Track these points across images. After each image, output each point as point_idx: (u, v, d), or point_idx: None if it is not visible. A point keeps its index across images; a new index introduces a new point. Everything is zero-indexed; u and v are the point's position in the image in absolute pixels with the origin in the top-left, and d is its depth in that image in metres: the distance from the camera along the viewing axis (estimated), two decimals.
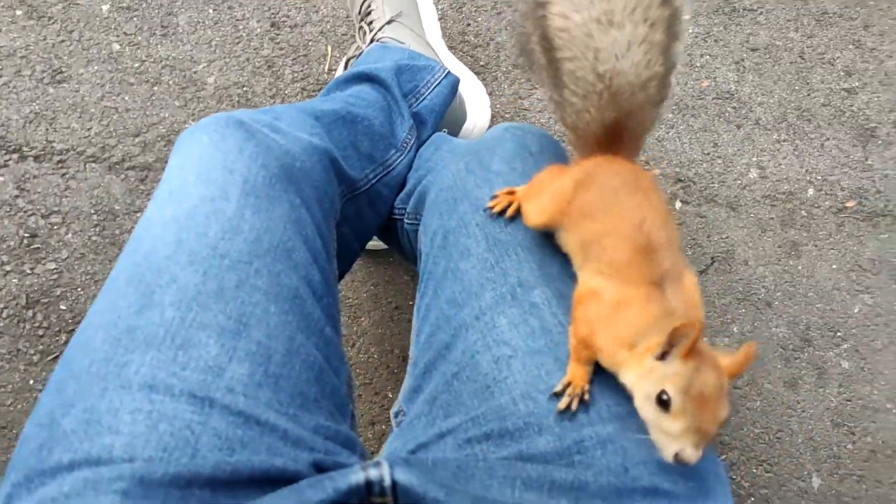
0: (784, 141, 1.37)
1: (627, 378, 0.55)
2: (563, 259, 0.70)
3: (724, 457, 1.19)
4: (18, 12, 1.24)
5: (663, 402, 0.50)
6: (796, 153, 1.36)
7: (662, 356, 0.52)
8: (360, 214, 0.92)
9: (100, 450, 0.50)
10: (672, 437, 0.50)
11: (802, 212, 1.33)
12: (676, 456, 0.50)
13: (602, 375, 0.61)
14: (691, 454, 0.49)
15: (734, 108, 1.37)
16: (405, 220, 0.94)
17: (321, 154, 0.82)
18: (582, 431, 0.59)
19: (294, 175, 0.75)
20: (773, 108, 1.38)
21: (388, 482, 0.54)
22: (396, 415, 0.74)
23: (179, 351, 0.57)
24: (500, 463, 0.59)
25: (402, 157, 0.99)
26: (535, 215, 0.70)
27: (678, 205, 1.32)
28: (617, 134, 0.70)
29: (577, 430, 0.59)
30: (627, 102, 0.67)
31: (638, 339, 0.55)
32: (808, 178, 1.35)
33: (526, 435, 0.60)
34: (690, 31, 1.40)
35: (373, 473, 0.54)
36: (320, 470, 0.57)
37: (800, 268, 1.30)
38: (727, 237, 1.31)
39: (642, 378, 0.53)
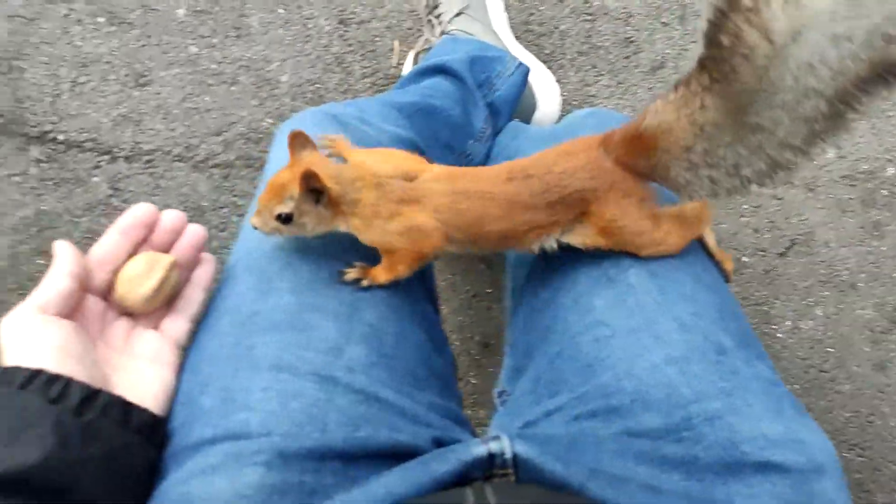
0: (860, 119, 1.33)
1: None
2: None
3: None
4: (101, 19, 1.29)
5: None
6: (874, 132, 1.33)
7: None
8: None
9: (238, 425, 0.53)
10: None
11: (883, 191, 1.30)
12: None
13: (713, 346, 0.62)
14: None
15: None
16: None
17: (408, 144, 0.84)
18: (689, 409, 0.59)
19: None
20: None
21: (508, 455, 0.55)
22: (500, 395, 0.76)
23: (300, 334, 0.59)
24: (610, 438, 0.59)
25: (479, 147, 1.01)
26: None
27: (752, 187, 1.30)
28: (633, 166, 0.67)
29: (683, 408, 0.59)
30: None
31: None
32: (887, 157, 1.32)
33: (632, 412, 0.61)
34: None
35: (494, 446, 0.56)
36: (439, 445, 0.59)
37: (884, 248, 1.27)
38: (806, 219, 1.28)
39: None
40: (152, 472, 0.54)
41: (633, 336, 0.65)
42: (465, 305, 1.23)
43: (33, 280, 1.22)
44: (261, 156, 1.27)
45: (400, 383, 0.61)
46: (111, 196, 1.23)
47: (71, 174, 1.23)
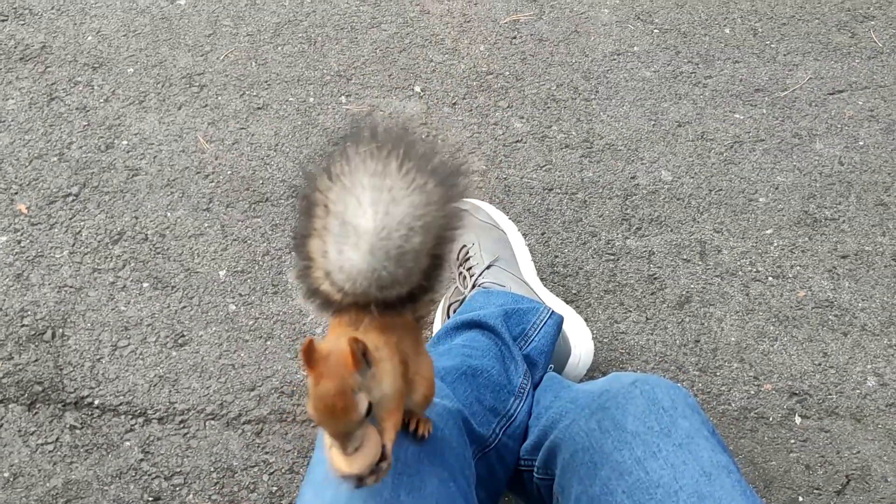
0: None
1: None
2: None
3: None
4: (145, 284, 1.35)
5: None
6: None
7: None
8: (491, 472, 0.91)
9: None
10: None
11: None
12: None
13: None
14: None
15: (836, 315, 1.36)
16: (535, 475, 0.92)
17: (455, 416, 0.83)
18: None
19: (438, 446, 0.75)
20: (877, 312, 1.36)
21: None
22: None
23: None
24: None
25: (521, 405, 1.00)
26: None
27: (798, 420, 1.27)
28: None
29: None
30: None
31: None
32: None
33: None
34: (776, 244, 1.43)
35: None
36: None
37: None
38: (858, 452, 1.24)
39: None
40: None
41: None
42: None
43: None
44: (294, 409, 1.26)
45: None
46: (142, 460, 1.21)
47: (103, 439, 1.22)
